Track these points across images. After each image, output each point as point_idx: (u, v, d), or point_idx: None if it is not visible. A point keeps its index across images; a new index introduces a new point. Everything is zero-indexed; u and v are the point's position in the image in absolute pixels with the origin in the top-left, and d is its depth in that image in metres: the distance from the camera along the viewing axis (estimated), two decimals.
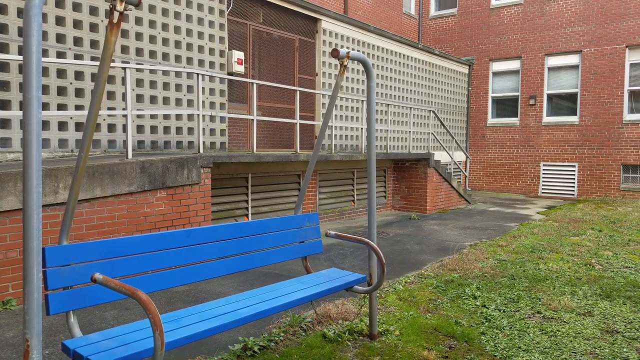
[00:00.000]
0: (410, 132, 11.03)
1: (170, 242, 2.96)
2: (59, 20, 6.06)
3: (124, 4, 2.21)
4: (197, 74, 6.15)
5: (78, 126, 6.27)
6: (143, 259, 2.82)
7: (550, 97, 15.18)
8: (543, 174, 15.25)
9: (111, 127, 6.59)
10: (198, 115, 6.25)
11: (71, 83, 6.14)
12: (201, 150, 6.34)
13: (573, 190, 14.72)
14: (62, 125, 6.12)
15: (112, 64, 4.96)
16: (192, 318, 2.71)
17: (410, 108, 10.90)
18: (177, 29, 7.34)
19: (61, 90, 6.08)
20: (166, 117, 7.23)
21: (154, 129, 7.09)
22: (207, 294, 4.89)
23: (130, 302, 4.63)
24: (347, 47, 10.72)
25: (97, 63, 4.84)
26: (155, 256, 2.88)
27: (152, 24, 7.01)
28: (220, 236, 3.25)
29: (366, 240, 3.54)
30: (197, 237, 3.11)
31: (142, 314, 4.30)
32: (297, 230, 3.83)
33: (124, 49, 6.70)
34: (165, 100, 7.22)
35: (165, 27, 7.18)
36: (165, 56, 7.18)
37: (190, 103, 7.54)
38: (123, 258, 2.73)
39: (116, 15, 2.22)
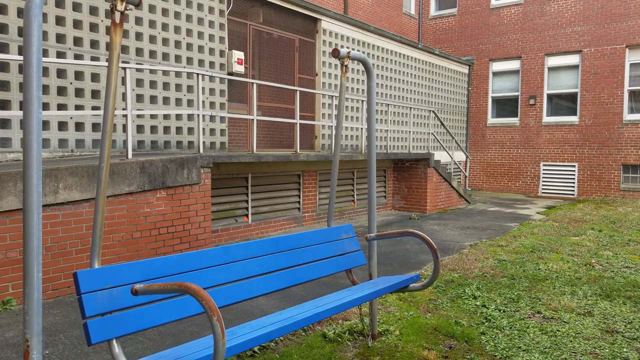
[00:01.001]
0: (410, 132, 11.03)
1: (207, 260, 2.82)
2: (59, 20, 6.06)
3: (124, 3, 2.22)
4: (197, 74, 6.15)
5: (78, 126, 6.27)
6: (181, 278, 2.68)
7: (550, 97, 15.19)
8: (543, 174, 15.25)
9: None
10: (198, 115, 6.25)
11: (71, 83, 6.14)
12: (201, 150, 6.34)
13: (573, 190, 14.72)
14: (62, 125, 6.11)
15: None
16: (245, 329, 2.57)
17: (410, 108, 10.91)
18: (177, 29, 7.34)
19: (61, 90, 6.08)
20: (166, 117, 7.23)
21: (154, 129, 7.09)
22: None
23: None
24: (347, 47, 10.72)
25: (97, 63, 4.84)
26: (192, 275, 2.73)
27: (152, 24, 7.01)
28: (258, 252, 3.09)
29: (412, 230, 3.44)
30: (234, 253, 2.97)
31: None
32: (335, 243, 3.67)
33: (124, 49, 6.70)
34: (165, 100, 7.22)
35: (165, 27, 7.18)
36: (165, 56, 7.18)
37: (190, 103, 7.54)
38: (161, 279, 2.59)
39: (117, 15, 2.22)
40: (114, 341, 2.32)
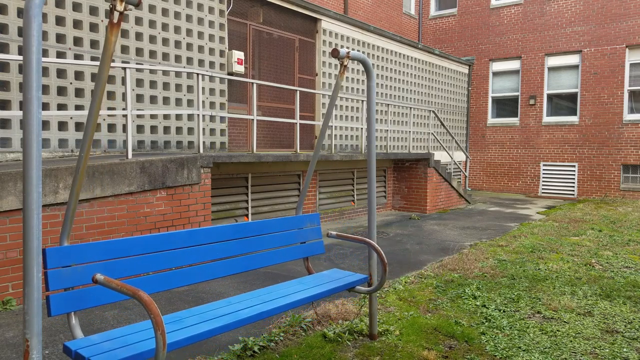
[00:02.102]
0: (410, 132, 11.03)
1: (171, 243, 2.96)
2: (59, 20, 6.06)
3: (124, 3, 2.21)
4: (197, 74, 6.15)
5: (78, 126, 6.27)
6: (144, 259, 2.82)
7: (550, 97, 15.18)
8: (543, 174, 15.25)
9: (111, 127, 6.59)
10: (198, 115, 6.25)
11: (71, 83, 6.14)
12: (201, 150, 6.34)
13: (573, 190, 14.72)
14: (62, 125, 6.12)
15: (112, 64, 4.95)
16: (194, 319, 2.70)
17: (410, 108, 10.91)
18: (177, 29, 7.34)
19: (61, 90, 6.08)
20: (166, 117, 7.23)
21: (154, 129, 7.09)
22: (207, 294, 4.88)
23: (131, 302, 4.62)
24: (347, 47, 10.72)
25: (97, 63, 4.84)
26: (156, 257, 2.87)
27: (152, 24, 7.01)
28: (221, 237, 3.25)
29: (367, 240, 3.54)
30: (199, 237, 3.11)
31: (142, 314, 4.30)
32: (298, 231, 3.82)
33: (124, 49, 6.70)
34: (165, 100, 7.22)
35: (165, 27, 7.18)
36: (165, 56, 7.18)
37: (190, 103, 7.54)
38: (124, 259, 2.72)
39: (116, 15, 2.22)
40: (72, 314, 2.50)
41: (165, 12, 7.17)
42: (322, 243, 4.00)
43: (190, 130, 7.56)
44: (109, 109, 6.49)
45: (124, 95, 6.64)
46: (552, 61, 15.04)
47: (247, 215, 8.00)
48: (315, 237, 3.95)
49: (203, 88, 7.67)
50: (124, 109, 6.22)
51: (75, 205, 2.46)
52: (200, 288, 5.09)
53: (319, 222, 4.04)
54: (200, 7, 7.63)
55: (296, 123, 7.87)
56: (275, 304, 3.00)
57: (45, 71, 5.92)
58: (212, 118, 7.82)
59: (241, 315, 2.79)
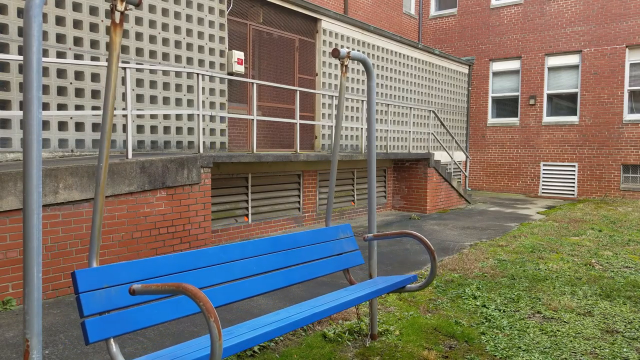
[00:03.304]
0: (410, 132, 11.03)
1: (204, 260, 2.82)
2: (59, 20, 6.06)
3: (124, 3, 2.21)
4: (197, 74, 6.15)
5: (78, 126, 6.27)
6: (177, 278, 2.68)
7: (550, 97, 15.18)
8: (543, 174, 15.25)
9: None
10: (198, 115, 6.25)
11: (71, 83, 6.14)
12: (201, 150, 6.34)
13: (573, 190, 14.72)
14: (62, 125, 6.12)
15: None
16: (243, 329, 2.58)
17: (410, 108, 10.91)
18: (177, 29, 7.34)
19: (61, 90, 6.08)
20: (166, 117, 7.23)
21: (154, 129, 7.09)
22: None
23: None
24: (347, 47, 10.72)
25: (98, 63, 4.84)
26: (190, 275, 2.73)
27: (152, 24, 7.01)
28: (255, 252, 3.10)
29: (409, 232, 3.44)
30: (232, 253, 2.97)
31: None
32: (333, 242, 3.66)
33: (124, 49, 6.70)
34: (165, 100, 7.22)
35: (165, 27, 7.18)
36: (165, 56, 7.18)
37: (190, 103, 7.54)
38: (159, 278, 2.59)
39: (117, 15, 2.22)
40: (112, 340, 2.32)
41: (165, 12, 7.17)
42: (359, 254, 3.82)
43: (190, 130, 7.56)
44: None
45: (124, 95, 6.64)
46: (552, 61, 15.04)
47: (247, 215, 8.01)
48: (351, 248, 3.79)
49: (203, 88, 7.67)
50: (124, 109, 6.22)
51: (100, 222, 2.34)
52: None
53: (352, 232, 3.89)
54: (200, 7, 7.63)
55: (296, 123, 7.87)
56: (326, 306, 2.83)
57: (45, 71, 5.92)
58: (212, 118, 7.82)
59: (293, 319, 2.63)
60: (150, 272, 2.57)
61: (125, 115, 5.88)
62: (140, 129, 6.93)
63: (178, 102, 7.38)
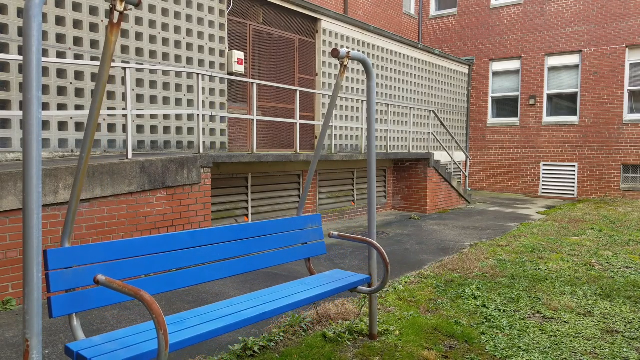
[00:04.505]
0: (410, 132, 11.03)
1: (173, 244, 2.95)
2: (59, 20, 6.06)
3: (124, 4, 2.21)
4: (197, 74, 6.15)
5: (78, 126, 6.27)
6: (146, 260, 2.81)
7: (550, 97, 15.18)
8: (543, 174, 15.25)
9: (111, 127, 6.59)
10: (198, 115, 6.25)
11: (71, 83, 6.14)
12: (201, 150, 6.34)
13: (573, 190, 14.72)
14: (62, 125, 6.12)
15: (112, 64, 4.95)
16: (196, 320, 2.70)
17: (410, 108, 10.90)
18: (177, 29, 7.34)
19: (61, 90, 6.08)
20: (166, 117, 7.23)
21: (154, 129, 7.09)
22: (208, 294, 4.88)
23: (130, 302, 4.62)
24: (347, 47, 10.72)
25: (98, 63, 4.84)
26: (158, 258, 2.87)
27: (152, 24, 7.01)
28: (222, 238, 3.25)
29: (369, 239, 3.53)
30: (200, 239, 3.10)
31: (143, 314, 4.30)
32: (299, 232, 3.81)
33: (124, 49, 6.70)
34: (165, 100, 7.22)
35: (165, 27, 7.18)
36: (165, 56, 7.18)
37: (190, 103, 7.54)
38: (126, 260, 2.71)
39: (116, 15, 2.22)
40: (74, 315, 2.49)
41: (165, 12, 7.17)
42: (323, 244, 4.00)
43: (190, 130, 7.56)
44: (109, 109, 6.49)
45: (124, 95, 6.64)
46: (552, 61, 15.04)
47: (247, 216, 8.00)
48: (316, 238, 3.94)
49: (203, 88, 7.67)
50: (124, 109, 6.22)
51: (76, 207, 2.45)
52: (201, 288, 5.09)
53: (321, 222, 4.04)
54: (200, 7, 7.63)
55: (296, 123, 7.87)
56: (277, 305, 3.00)
57: (45, 71, 5.92)
58: (212, 118, 7.82)
59: (243, 315, 2.79)
60: (120, 254, 2.71)
61: (125, 115, 5.88)
62: (140, 129, 6.93)
63: (178, 102, 7.38)
